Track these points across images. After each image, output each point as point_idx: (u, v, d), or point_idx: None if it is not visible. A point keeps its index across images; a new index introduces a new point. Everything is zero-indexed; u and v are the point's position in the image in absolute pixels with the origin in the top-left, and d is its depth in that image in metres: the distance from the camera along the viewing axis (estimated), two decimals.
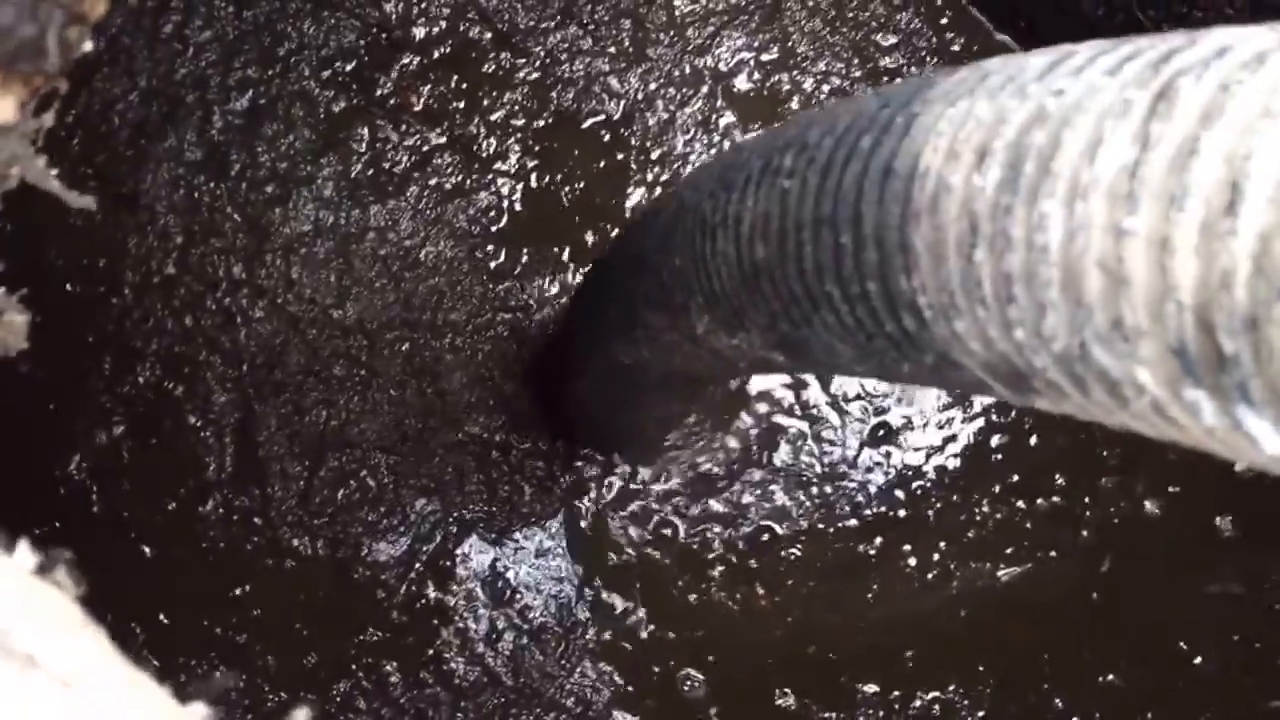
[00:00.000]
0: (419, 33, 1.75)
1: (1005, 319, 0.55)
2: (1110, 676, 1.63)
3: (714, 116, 1.74)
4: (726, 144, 1.73)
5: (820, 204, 0.69)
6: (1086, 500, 1.67)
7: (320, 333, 1.65)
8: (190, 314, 1.62)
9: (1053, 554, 1.67)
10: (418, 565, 1.59)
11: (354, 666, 1.55)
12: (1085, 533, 1.67)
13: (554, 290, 1.70)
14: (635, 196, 1.73)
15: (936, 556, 1.66)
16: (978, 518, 1.68)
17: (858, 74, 1.77)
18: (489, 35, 1.75)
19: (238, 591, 1.54)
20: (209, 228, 1.66)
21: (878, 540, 1.67)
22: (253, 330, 1.63)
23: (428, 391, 1.64)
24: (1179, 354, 0.47)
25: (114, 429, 1.55)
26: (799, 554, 1.65)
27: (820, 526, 1.66)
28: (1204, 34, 0.51)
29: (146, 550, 1.51)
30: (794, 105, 1.75)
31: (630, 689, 1.59)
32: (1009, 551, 1.67)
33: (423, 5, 1.76)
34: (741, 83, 1.75)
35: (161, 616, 1.50)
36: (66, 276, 1.60)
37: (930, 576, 1.66)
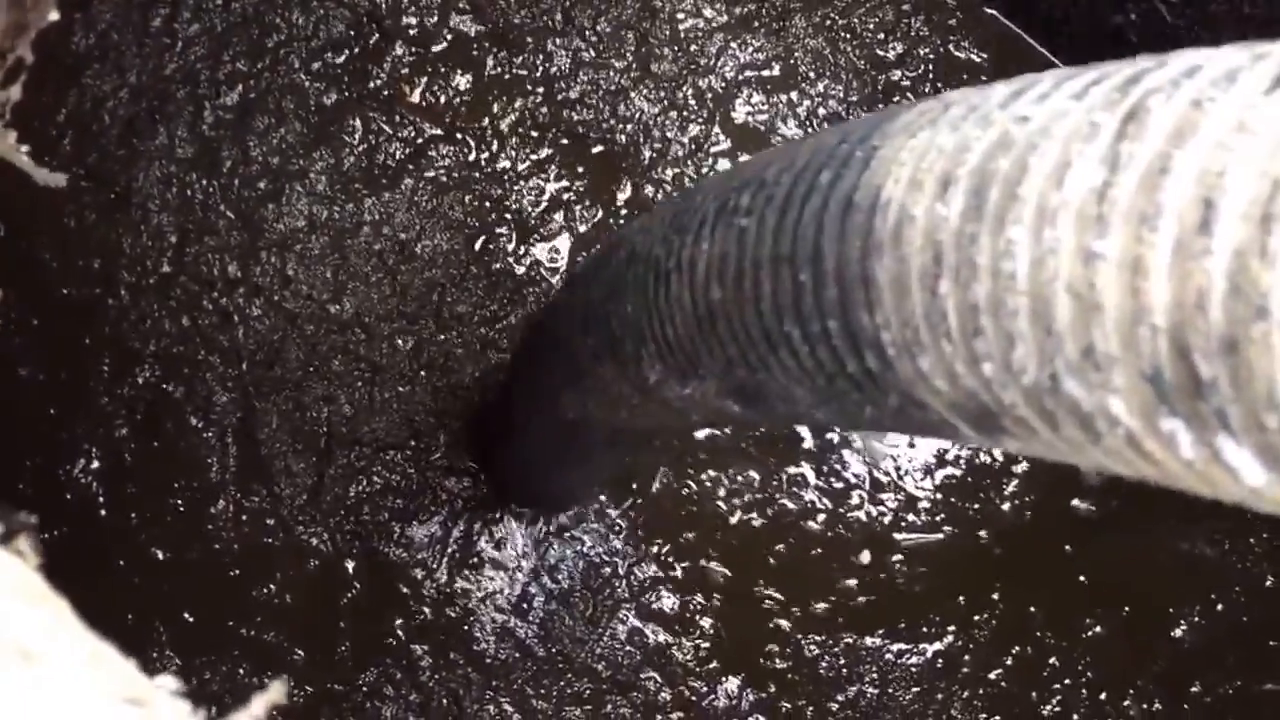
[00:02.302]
0: (410, 23, 1.74)
1: (972, 353, 0.54)
2: (1097, 628, 1.66)
3: (711, 143, 1.74)
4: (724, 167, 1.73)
5: (779, 241, 0.67)
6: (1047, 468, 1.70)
7: (318, 328, 1.64)
8: (187, 313, 1.61)
9: (1030, 514, 1.69)
10: (452, 546, 1.60)
11: (383, 653, 1.56)
12: (1064, 494, 1.69)
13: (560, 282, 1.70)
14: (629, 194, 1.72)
15: (923, 518, 1.68)
16: (950, 481, 1.69)
17: (855, 97, 1.76)
18: (481, 29, 1.74)
19: (263, 590, 1.54)
20: (203, 226, 1.65)
21: (874, 506, 1.68)
22: (250, 328, 1.63)
23: (439, 385, 1.64)
24: (1154, 381, 0.46)
25: (116, 431, 1.54)
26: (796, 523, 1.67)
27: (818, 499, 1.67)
28: (1173, 56, 0.50)
29: (159, 554, 1.51)
30: (793, 129, 1.74)
31: (664, 640, 1.61)
32: (991, 512, 1.69)
33: None
34: (741, 105, 1.75)
35: (186, 615, 1.51)
36: (62, 279, 1.59)
37: (914, 537, 1.67)
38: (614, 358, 0.96)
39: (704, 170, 1.72)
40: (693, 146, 1.73)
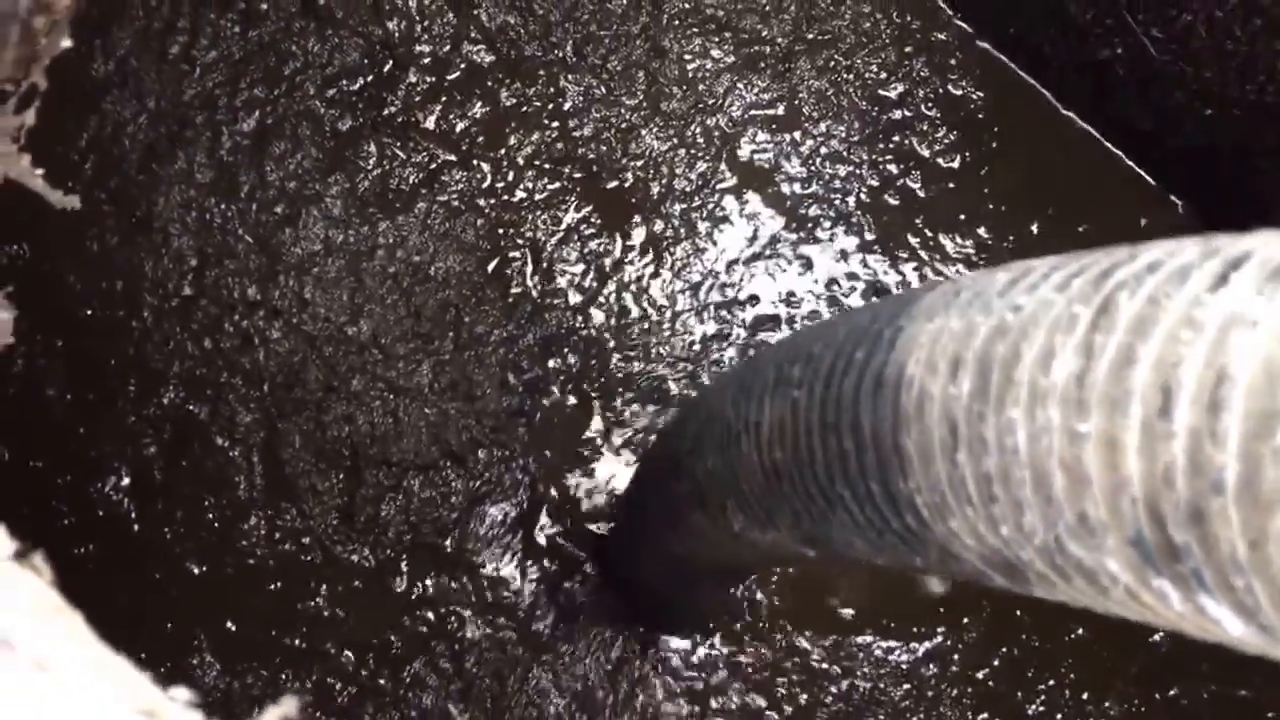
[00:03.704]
0: (423, 51, 1.78)
1: (990, 516, 0.59)
2: (1080, 631, 1.73)
3: (718, 180, 1.80)
4: (733, 207, 1.79)
5: (825, 411, 0.75)
6: None
7: (336, 350, 1.68)
8: (209, 336, 1.64)
9: None
10: (495, 551, 1.64)
11: (434, 643, 1.60)
12: None
13: (576, 301, 1.74)
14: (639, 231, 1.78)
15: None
16: None
17: (857, 138, 1.83)
18: (493, 59, 1.79)
19: (307, 603, 1.57)
20: (222, 249, 1.68)
21: None
22: (270, 350, 1.66)
23: (462, 406, 1.68)
24: (1138, 545, 0.51)
25: (144, 450, 1.57)
26: None
27: None
28: (1142, 249, 0.56)
29: (194, 568, 1.54)
30: (797, 167, 1.81)
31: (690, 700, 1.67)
32: None
33: (425, 24, 1.79)
34: (747, 144, 1.81)
35: (228, 624, 1.54)
36: (85, 301, 1.62)
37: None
38: (703, 506, 1.04)
39: (710, 207, 1.79)
40: (700, 183, 1.79)
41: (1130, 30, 1.81)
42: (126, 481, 1.54)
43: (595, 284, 1.75)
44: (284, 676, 1.51)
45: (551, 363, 1.73)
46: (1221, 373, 0.47)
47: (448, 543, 1.64)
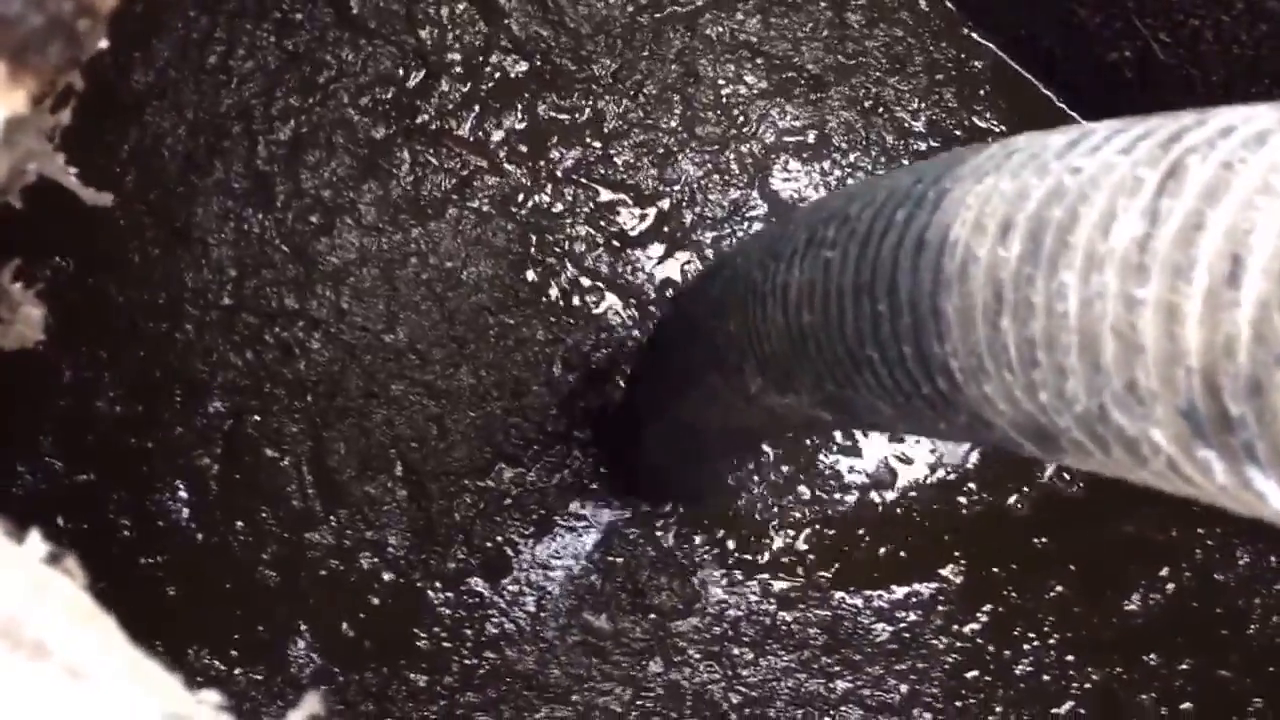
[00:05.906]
0: (455, 59, 1.80)
1: (1030, 382, 0.58)
2: (1059, 588, 1.76)
3: (749, 207, 1.82)
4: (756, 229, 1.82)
5: (860, 273, 0.74)
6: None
7: (375, 357, 1.71)
8: (250, 347, 1.67)
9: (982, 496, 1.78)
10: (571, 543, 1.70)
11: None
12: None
13: (606, 311, 1.78)
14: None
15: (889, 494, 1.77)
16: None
17: (882, 171, 1.86)
18: (525, 69, 1.81)
19: (414, 631, 1.64)
20: (260, 260, 1.71)
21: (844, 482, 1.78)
22: (311, 360, 1.69)
23: (512, 409, 1.73)
24: (1189, 416, 0.50)
25: (197, 462, 1.61)
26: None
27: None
28: (1212, 113, 0.54)
29: (269, 580, 1.59)
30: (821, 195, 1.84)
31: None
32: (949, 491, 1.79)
33: (456, 32, 1.81)
34: (779, 171, 1.83)
35: (345, 627, 1.60)
36: (129, 313, 1.64)
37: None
38: (719, 369, 1.05)
39: (739, 235, 1.82)
40: (731, 210, 1.82)
41: (1139, 34, 1.84)
42: (183, 494, 1.58)
43: (628, 306, 1.79)
44: (385, 671, 1.57)
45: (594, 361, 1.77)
46: None
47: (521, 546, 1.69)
